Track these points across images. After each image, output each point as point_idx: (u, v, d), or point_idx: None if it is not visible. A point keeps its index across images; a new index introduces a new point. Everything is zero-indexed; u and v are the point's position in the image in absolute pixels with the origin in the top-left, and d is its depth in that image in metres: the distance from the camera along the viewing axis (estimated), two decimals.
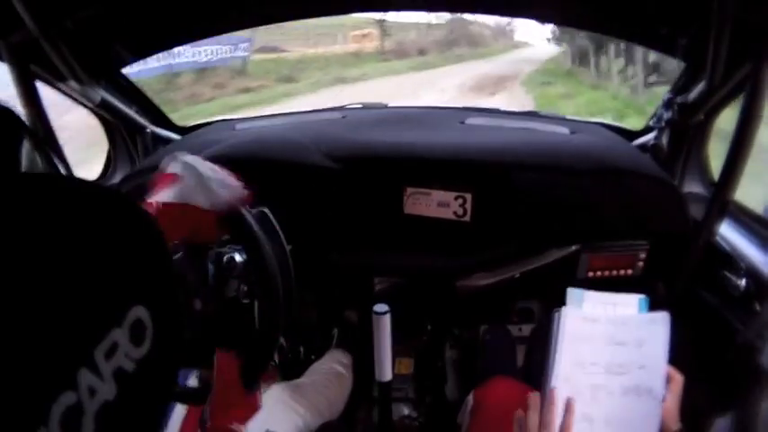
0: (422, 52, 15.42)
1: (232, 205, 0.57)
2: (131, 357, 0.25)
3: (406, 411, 1.14)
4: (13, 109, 0.49)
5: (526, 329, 1.23)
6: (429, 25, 16.92)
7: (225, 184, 0.57)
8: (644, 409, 0.58)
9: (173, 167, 0.55)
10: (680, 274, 0.93)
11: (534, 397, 0.59)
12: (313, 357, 1.13)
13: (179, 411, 0.82)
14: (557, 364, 0.61)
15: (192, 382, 0.80)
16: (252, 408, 0.64)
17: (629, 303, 0.64)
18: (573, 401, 0.58)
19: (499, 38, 20.74)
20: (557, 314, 0.64)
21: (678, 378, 0.60)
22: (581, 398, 0.59)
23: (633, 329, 0.62)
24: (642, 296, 0.63)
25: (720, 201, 0.84)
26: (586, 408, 0.59)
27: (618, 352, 0.61)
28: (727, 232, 0.89)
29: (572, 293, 0.65)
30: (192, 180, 0.54)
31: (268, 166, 0.99)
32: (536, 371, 0.72)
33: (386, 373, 0.87)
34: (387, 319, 0.82)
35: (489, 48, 18.74)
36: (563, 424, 0.56)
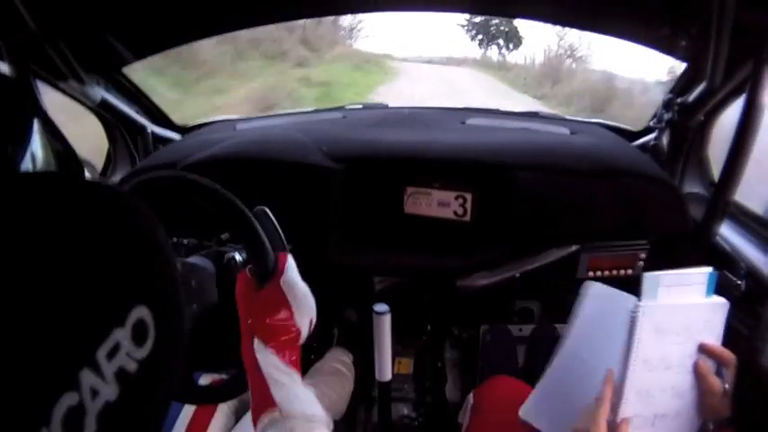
0: None
1: None
2: (133, 358, 0.25)
3: (405, 411, 1.14)
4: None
5: (526, 329, 1.22)
6: None
7: None
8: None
9: None
10: None
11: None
12: (312, 357, 1.13)
13: (186, 413, 0.81)
14: (630, 370, 0.59)
15: (204, 380, 0.80)
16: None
17: (699, 281, 0.61)
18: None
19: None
20: (634, 310, 0.58)
21: (735, 362, 0.56)
22: (650, 400, 0.59)
23: (698, 322, 0.60)
24: (711, 271, 0.61)
25: (721, 201, 0.84)
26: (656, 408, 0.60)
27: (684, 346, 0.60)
28: (728, 233, 0.89)
29: (648, 279, 0.59)
30: None
31: (269, 165, 0.99)
32: (537, 371, 0.71)
33: (386, 372, 0.87)
34: (387, 319, 0.82)
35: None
36: None
